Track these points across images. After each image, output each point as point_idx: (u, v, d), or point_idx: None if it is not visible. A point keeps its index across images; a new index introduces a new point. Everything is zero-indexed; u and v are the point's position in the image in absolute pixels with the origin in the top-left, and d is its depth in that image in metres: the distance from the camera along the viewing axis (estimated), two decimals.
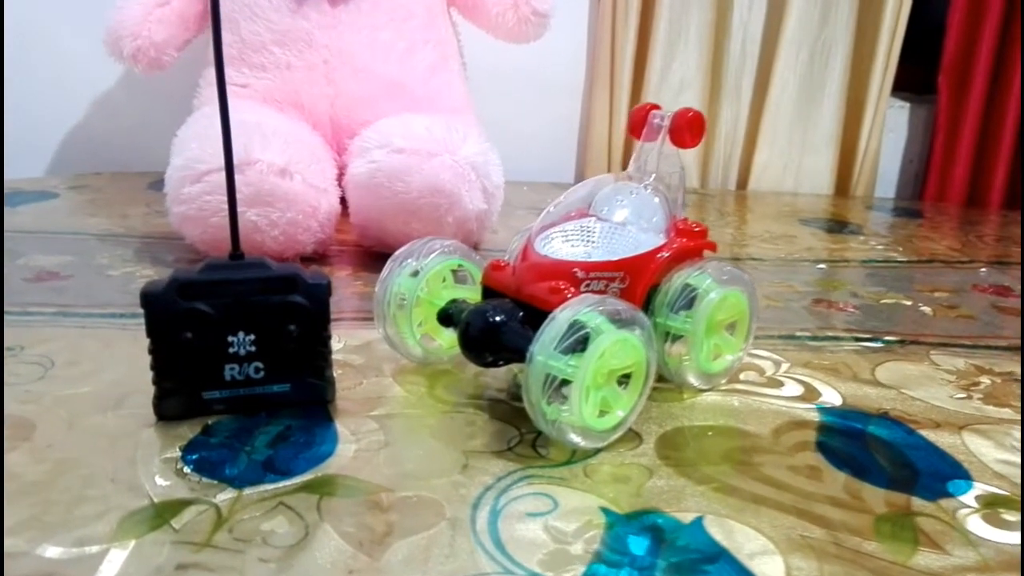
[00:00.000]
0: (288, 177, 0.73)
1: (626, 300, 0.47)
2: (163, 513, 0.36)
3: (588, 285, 0.49)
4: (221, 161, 0.74)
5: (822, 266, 0.89)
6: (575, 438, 0.43)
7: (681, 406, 0.50)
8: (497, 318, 0.47)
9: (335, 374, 0.48)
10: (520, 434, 0.45)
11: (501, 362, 0.48)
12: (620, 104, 1.31)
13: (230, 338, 0.45)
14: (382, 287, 0.51)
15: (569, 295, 0.47)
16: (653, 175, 0.54)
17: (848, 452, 0.45)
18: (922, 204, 1.37)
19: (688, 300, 0.51)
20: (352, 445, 0.43)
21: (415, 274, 0.52)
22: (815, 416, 0.50)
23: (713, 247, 0.54)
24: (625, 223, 0.52)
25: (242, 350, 0.45)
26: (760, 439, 0.46)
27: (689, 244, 0.52)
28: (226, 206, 0.72)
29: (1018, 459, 0.45)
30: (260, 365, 0.46)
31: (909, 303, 0.76)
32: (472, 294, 0.53)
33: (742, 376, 0.55)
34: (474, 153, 0.75)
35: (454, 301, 0.53)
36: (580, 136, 1.37)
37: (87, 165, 1.26)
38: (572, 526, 0.37)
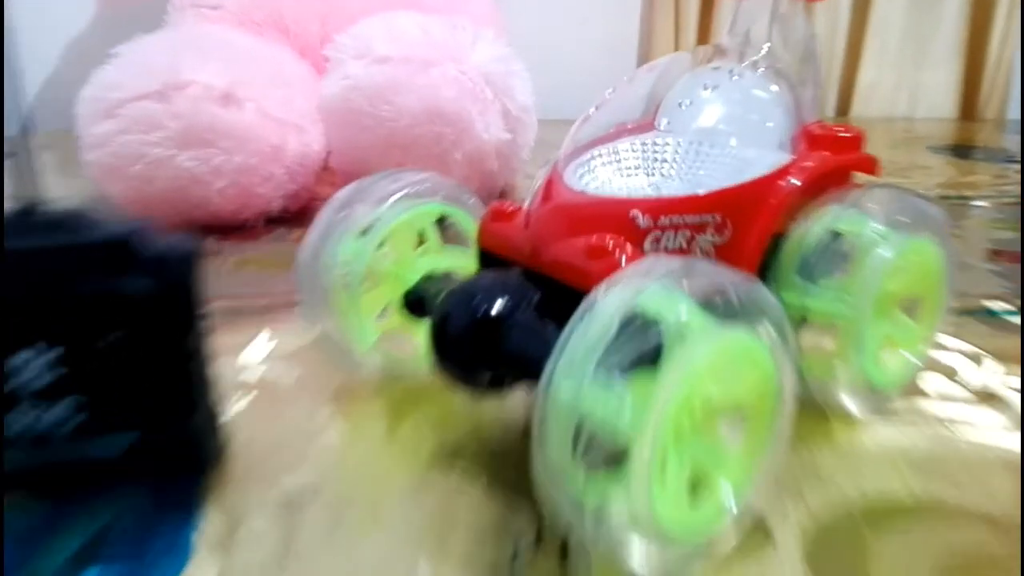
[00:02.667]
0: (235, 105, 0.53)
1: (729, 264, 0.26)
2: None
3: (658, 240, 0.27)
4: (142, 85, 0.54)
5: (982, 203, 0.64)
6: (639, 547, 0.22)
7: (834, 452, 0.28)
8: (492, 307, 0.26)
9: (237, 408, 0.29)
10: (537, 529, 0.24)
11: (505, 383, 0.27)
12: (688, 20, 1.07)
13: (15, 358, 0.25)
14: (309, 252, 0.31)
15: (622, 259, 0.25)
16: (766, 46, 0.32)
17: None
18: None
19: (838, 259, 0.29)
20: (213, 568, 0.23)
21: (365, 232, 0.31)
22: None
23: (872, 166, 0.32)
24: (718, 131, 0.30)
25: (40, 379, 0.25)
26: (994, 527, 0.25)
27: (834, 161, 0.30)
28: (154, 149, 0.54)
29: None
30: (76, 404, 0.26)
31: None
32: (466, 262, 0.32)
33: (922, 385, 0.33)
34: (489, 60, 0.54)
35: (430, 276, 0.32)
36: (638, 62, 1.13)
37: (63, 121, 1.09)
38: None
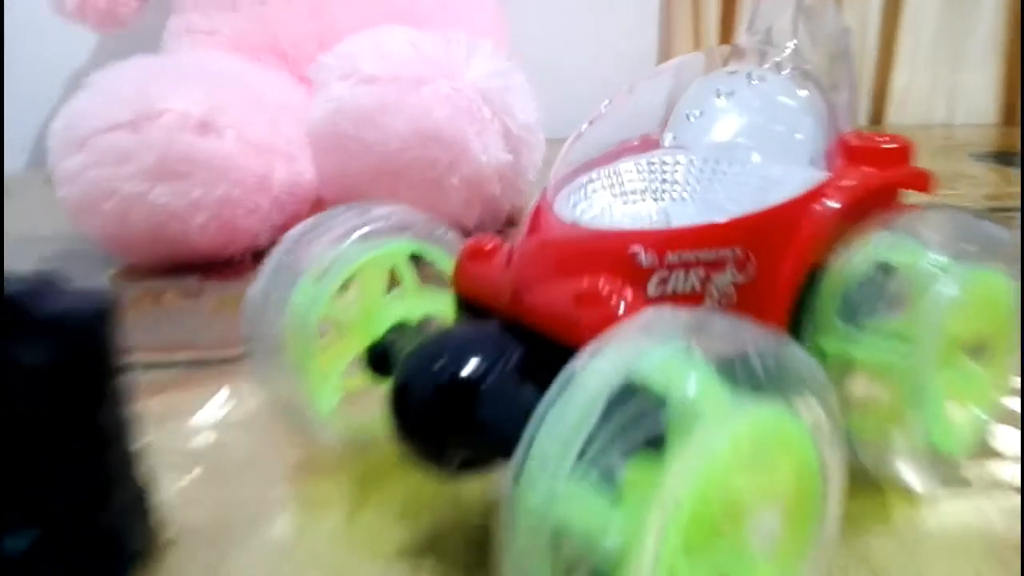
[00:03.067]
0: (213, 133, 0.49)
1: (753, 310, 0.21)
2: None
3: (665, 281, 0.22)
4: (113, 115, 0.51)
5: None
6: None
7: (891, 538, 0.23)
8: (460, 370, 0.21)
9: (178, 486, 0.24)
10: None
11: (481, 462, 0.22)
12: (707, 26, 1.02)
13: None
14: (256, 300, 0.26)
15: (620, 307, 0.21)
16: (790, 44, 0.27)
17: None
18: None
19: (889, 298, 0.24)
20: None
21: (323, 274, 0.26)
22: None
23: (924, 182, 0.27)
24: (736, 146, 0.26)
25: None
26: None
27: (878, 178, 0.25)
28: (127, 183, 0.50)
29: None
30: None
31: None
32: (447, 308, 0.28)
33: (997, 444, 0.27)
34: (486, 75, 0.49)
35: (402, 325, 0.27)
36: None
37: None
38: None
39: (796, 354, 0.17)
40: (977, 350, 0.26)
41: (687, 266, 0.22)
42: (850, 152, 0.26)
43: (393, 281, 0.28)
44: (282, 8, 0.70)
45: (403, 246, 0.28)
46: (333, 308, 0.26)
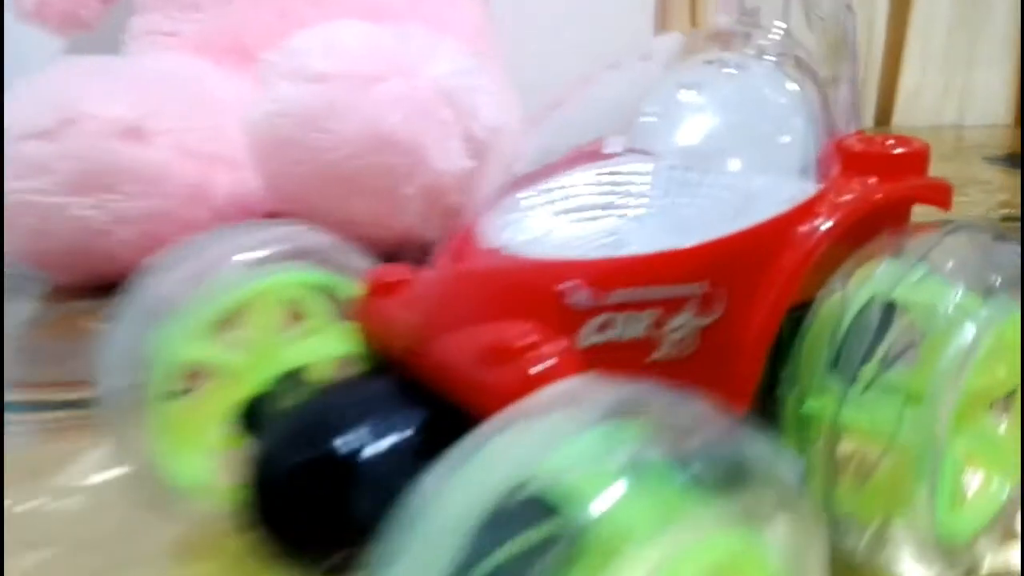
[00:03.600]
0: (143, 141, 0.44)
1: (719, 360, 0.16)
2: None
3: (607, 326, 0.17)
4: (31, 123, 0.45)
5: None
6: None
7: None
8: (335, 445, 0.16)
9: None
10: None
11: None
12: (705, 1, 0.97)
13: None
14: (112, 345, 0.21)
15: (538, 364, 0.16)
16: (781, 26, 0.22)
17: None
18: None
19: (896, 346, 0.18)
20: None
21: (187, 313, 0.21)
22: None
23: (943, 196, 0.21)
24: (710, 152, 0.21)
25: None
26: None
27: (884, 192, 0.20)
28: (44, 196, 0.45)
29: None
30: None
31: None
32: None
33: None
34: (447, 73, 0.44)
35: (295, 374, 0.22)
36: None
37: None
38: None
39: (762, 451, 0.12)
40: (1000, 404, 0.21)
41: (640, 307, 0.17)
42: (850, 159, 0.21)
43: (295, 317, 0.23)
44: (247, 8, 0.66)
45: (301, 275, 0.23)
46: (207, 351, 0.21)
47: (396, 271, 0.20)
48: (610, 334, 0.17)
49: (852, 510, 0.19)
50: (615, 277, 0.17)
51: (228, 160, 0.48)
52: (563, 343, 0.17)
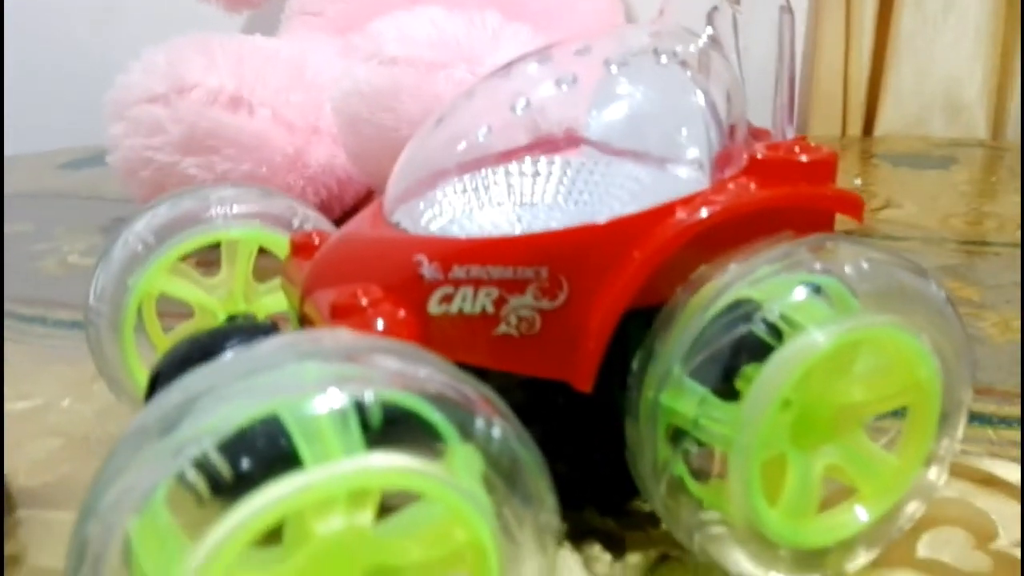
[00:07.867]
0: (244, 110, 0.49)
1: (560, 344, 0.18)
2: None
3: (449, 298, 0.19)
4: (156, 85, 0.53)
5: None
6: None
7: None
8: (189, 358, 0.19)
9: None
10: None
11: None
12: (863, 21, 0.90)
13: None
14: (103, 268, 0.25)
15: (374, 321, 0.18)
16: (706, 32, 0.22)
17: None
18: None
19: (748, 348, 0.18)
20: None
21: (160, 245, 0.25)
22: None
23: (854, 206, 0.21)
24: (618, 148, 0.21)
25: None
26: None
27: (760, 197, 0.20)
28: (158, 153, 0.52)
29: None
30: None
31: None
32: None
33: (920, 548, 0.21)
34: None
35: (236, 318, 0.25)
36: (803, 71, 0.98)
37: None
38: None
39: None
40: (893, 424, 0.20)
41: (476, 283, 0.19)
42: (753, 164, 0.21)
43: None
44: None
45: (266, 234, 0.26)
46: (184, 289, 0.25)
47: (314, 235, 0.23)
48: (453, 306, 0.19)
49: (698, 502, 0.19)
50: (456, 255, 0.19)
51: (323, 133, 0.53)
52: (400, 310, 0.18)
